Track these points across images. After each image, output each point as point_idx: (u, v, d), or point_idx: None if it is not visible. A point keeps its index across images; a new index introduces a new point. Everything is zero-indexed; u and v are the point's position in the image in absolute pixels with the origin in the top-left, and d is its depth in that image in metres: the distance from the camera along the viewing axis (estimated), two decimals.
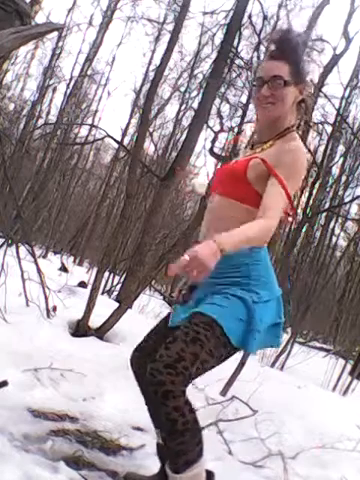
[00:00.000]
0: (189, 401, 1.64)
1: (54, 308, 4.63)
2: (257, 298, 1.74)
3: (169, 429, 1.62)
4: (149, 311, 7.67)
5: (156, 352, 1.69)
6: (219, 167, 2.03)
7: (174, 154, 14.76)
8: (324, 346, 12.60)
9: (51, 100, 20.78)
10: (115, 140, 8.60)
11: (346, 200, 14.25)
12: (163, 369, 1.60)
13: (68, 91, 18.49)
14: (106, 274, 9.04)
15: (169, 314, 1.97)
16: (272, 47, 1.87)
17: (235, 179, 1.82)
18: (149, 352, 1.90)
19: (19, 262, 4.72)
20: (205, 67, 15.65)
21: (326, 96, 11.66)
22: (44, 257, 14.30)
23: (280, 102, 1.81)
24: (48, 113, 20.96)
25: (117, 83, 47.06)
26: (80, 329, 4.36)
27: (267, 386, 3.53)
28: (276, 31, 1.95)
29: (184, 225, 12.97)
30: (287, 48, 1.82)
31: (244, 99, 16.30)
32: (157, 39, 19.41)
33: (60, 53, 19.40)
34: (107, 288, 9.31)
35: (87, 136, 19.50)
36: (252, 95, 2.00)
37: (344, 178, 16.20)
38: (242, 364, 3.63)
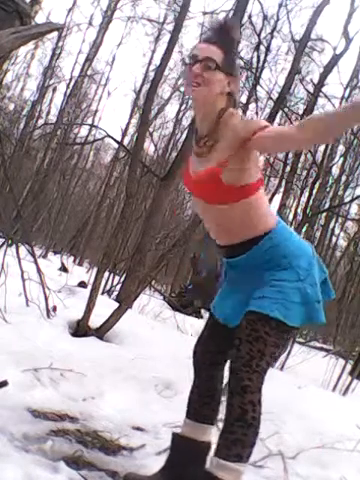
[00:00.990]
0: (261, 403, 1.79)
1: (54, 308, 4.63)
2: (303, 272, 1.83)
3: (238, 416, 1.73)
4: (149, 311, 7.67)
5: (217, 349, 1.98)
6: (185, 179, 2.01)
7: (174, 154, 14.76)
8: (324, 346, 12.59)
9: (51, 100, 20.83)
10: (115, 140, 8.60)
11: (346, 200, 14.28)
12: (242, 367, 1.75)
13: (68, 91, 18.51)
14: (106, 274, 9.03)
15: (212, 309, 2.06)
16: (210, 33, 1.88)
17: (217, 191, 1.83)
18: (209, 349, 2.02)
19: (19, 262, 4.72)
20: None
21: (326, 96, 11.68)
22: (44, 257, 14.29)
23: (207, 85, 1.79)
24: (48, 113, 21.01)
25: (117, 83, 47.12)
26: (80, 329, 4.36)
27: (267, 386, 3.52)
28: (218, 20, 1.97)
29: (184, 225, 12.98)
30: (226, 38, 1.84)
31: (244, 99, 16.32)
32: (157, 39, 19.45)
33: (60, 53, 19.44)
34: (107, 288, 9.30)
35: (87, 136, 19.53)
36: (183, 75, 2.00)
37: (344, 178, 16.23)
38: None
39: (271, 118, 7.82)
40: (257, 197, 1.85)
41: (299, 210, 16.72)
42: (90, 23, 19.63)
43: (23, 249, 5.42)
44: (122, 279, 8.61)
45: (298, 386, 4.33)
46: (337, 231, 19.59)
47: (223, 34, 1.84)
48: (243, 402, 1.74)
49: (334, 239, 19.85)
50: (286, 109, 9.87)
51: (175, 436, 2.02)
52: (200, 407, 2.00)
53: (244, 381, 1.74)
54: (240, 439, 1.72)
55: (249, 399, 1.74)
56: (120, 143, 10.85)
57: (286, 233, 1.90)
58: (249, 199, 1.82)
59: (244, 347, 1.78)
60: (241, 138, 1.76)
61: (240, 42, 1.87)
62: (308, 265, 1.85)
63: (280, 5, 13.21)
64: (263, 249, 1.84)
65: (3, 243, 5.13)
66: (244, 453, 1.73)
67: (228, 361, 1.89)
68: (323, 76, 12.25)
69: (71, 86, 18.61)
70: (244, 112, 16.13)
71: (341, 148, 16.27)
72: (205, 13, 13.84)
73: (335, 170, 15.94)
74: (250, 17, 10.50)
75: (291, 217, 18.20)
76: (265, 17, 11.51)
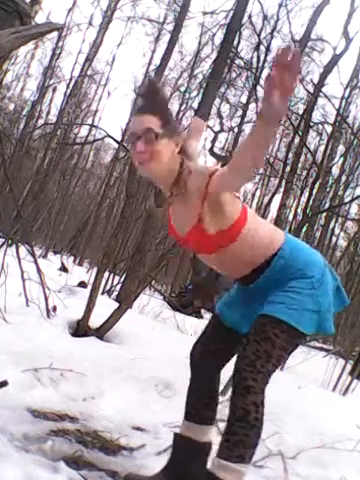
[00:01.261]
0: (264, 404, 1.78)
1: (54, 308, 4.63)
2: (316, 281, 1.83)
3: (240, 417, 1.73)
4: (149, 311, 7.67)
5: (219, 351, 1.97)
6: (170, 232, 2.04)
7: None
8: (324, 346, 12.58)
9: (51, 100, 20.84)
10: (115, 140, 8.61)
11: (346, 200, 14.27)
12: (246, 367, 1.75)
13: (68, 91, 18.50)
14: (106, 274, 9.03)
15: (219, 312, 2.06)
16: (141, 101, 1.87)
17: (210, 242, 1.84)
18: (211, 349, 2.01)
19: (19, 262, 4.72)
20: (205, 67, 15.70)
21: (326, 96, 11.68)
22: (44, 257, 14.30)
23: (154, 158, 1.78)
24: (48, 113, 21.01)
25: (117, 83, 47.13)
26: (80, 329, 4.36)
27: (267, 386, 3.52)
28: (142, 85, 1.97)
29: None
30: (156, 101, 1.81)
31: (244, 99, 16.34)
32: (157, 39, 19.44)
33: (60, 53, 19.44)
34: (107, 288, 9.30)
35: (87, 136, 19.53)
36: (130, 152, 1.95)
37: (344, 178, 16.23)
38: None
39: None
40: (250, 225, 1.84)
41: (299, 210, 16.77)
42: (90, 23, 19.64)
43: (23, 249, 5.42)
44: (122, 279, 8.62)
45: (298, 386, 4.33)
46: (337, 231, 19.61)
47: (152, 98, 1.82)
48: (246, 403, 1.73)
49: (334, 239, 19.86)
50: None
51: (176, 436, 2.02)
52: (200, 409, 2.00)
53: (248, 381, 1.74)
54: (242, 440, 1.72)
55: (252, 400, 1.74)
56: (120, 143, 10.85)
57: (295, 245, 1.90)
58: (244, 232, 1.82)
59: (251, 347, 1.77)
60: (201, 192, 1.77)
61: (168, 99, 1.86)
62: (320, 274, 1.86)
63: (280, 5, 13.22)
64: (276, 269, 1.84)
65: (3, 243, 5.12)
66: (246, 454, 1.73)
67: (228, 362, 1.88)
68: (323, 76, 12.26)
69: (71, 86, 18.61)
70: (244, 112, 16.16)
71: (341, 148, 16.29)
72: (205, 13, 13.85)
73: (335, 170, 15.96)
74: (250, 17, 10.50)
75: (291, 217, 18.26)
76: (265, 17, 11.52)
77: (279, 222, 14.67)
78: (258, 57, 11.10)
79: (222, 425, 2.71)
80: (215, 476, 1.70)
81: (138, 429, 2.54)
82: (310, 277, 1.83)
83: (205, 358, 2.01)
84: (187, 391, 2.04)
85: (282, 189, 15.45)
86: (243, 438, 1.72)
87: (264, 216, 18.17)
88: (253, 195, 23.35)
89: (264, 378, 1.77)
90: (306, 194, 14.57)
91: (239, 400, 1.74)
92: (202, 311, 10.72)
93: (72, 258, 18.47)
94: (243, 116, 16.34)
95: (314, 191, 12.40)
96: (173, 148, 1.82)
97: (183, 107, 18.63)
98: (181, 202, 1.86)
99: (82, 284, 8.36)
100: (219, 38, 11.20)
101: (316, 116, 14.12)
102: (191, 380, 2.04)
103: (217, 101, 13.41)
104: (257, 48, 11.18)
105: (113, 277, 10.27)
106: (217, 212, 1.79)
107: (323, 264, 1.91)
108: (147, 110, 1.80)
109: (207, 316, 10.25)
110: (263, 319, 1.80)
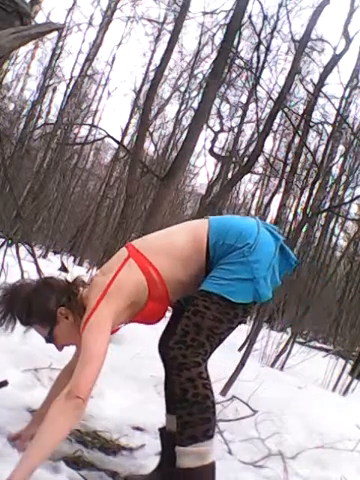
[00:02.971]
0: (206, 376, 1.72)
1: None
2: (247, 249, 1.81)
3: (180, 398, 1.70)
4: None
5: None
6: None
7: (174, 154, 14.77)
8: (324, 346, 12.58)
9: (51, 100, 20.82)
10: (115, 140, 8.61)
11: (346, 200, 14.26)
12: (174, 345, 1.74)
13: (68, 91, 18.49)
14: None
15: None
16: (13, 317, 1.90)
17: (159, 314, 1.90)
18: (171, 335, 1.97)
19: (19, 262, 4.72)
20: (205, 67, 15.71)
21: (326, 96, 11.68)
22: (44, 257, 14.28)
23: (62, 341, 1.93)
24: (48, 113, 20.99)
25: (117, 83, 46.92)
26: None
27: (267, 386, 3.53)
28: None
29: None
30: (22, 318, 1.88)
31: (244, 99, 16.34)
32: (157, 39, 19.43)
33: (60, 53, 19.42)
34: None
35: (87, 136, 19.52)
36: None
37: (344, 178, 16.22)
38: (242, 364, 3.62)
39: (271, 118, 7.82)
40: (169, 274, 1.83)
41: (299, 210, 16.77)
42: (90, 23, 19.62)
43: (23, 249, 5.41)
44: None
45: (298, 386, 4.33)
46: (337, 231, 19.58)
47: (17, 316, 1.87)
48: (181, 381, 1.70)
49: (334, 239, 19.84)
50: (286, 109, 9.86)
51: (160, 431, 2.04)
52: (168, 392, 1.99)
53: (178, 359, 1.71)
54: (187, 421, 1.69)
55: (187, 377, 1.70)
56: (120, 143, 10.88)
57: (220, 226, 1.88)
58: (170, 285, 1.83)
59: (181, 323, 1.78)
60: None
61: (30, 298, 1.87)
62: (253, 239, 1.83)
63: (280, 5, 13.21)
64: (214, 258, 1.84)
65: (3, 243, 5.12)
66: (197, 432, 1.69)
67: None
68: (323, 76, 12.27)
69: (71, 86, 18.60)
70: (244, 112, 16.15)
71: (341, 148, 16.28)
72: (205, 13, 13.85)
73: (335, 170, 15.93)
74: (250, 17, 10.49)
75: (291, 217, 18.26)
76: (265, 17, 11.51)
77: (279, 222, 14.68)
78: (258, 57, 11.08)
79: (222, 425, 2.72)
80: (176, 465, 1.70)
81: (138, 429, 2.55)
82: (241, 247, 1.81)
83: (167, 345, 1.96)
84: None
85: (282, 189, 15.48)
86: (188, 418, 1.69)
87: (264, 216, 18.21)
88: (253, 195, 23.33)
89: (195, 351, 1.73)
90: (306, 194, 14.60)
91: (175, 381, 1.71)
92: None
93: (72, 258, 18.46)
94: (243, 116, 16.35)
95: (314, 191, 12.40)
96: (62, 320, 1.87)
97: (183, 107, 18.64)
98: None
99: None
100: (219, 38, 11.21)
101: (316, 116, 14.11)
102: (164, 372, 2.02)
103: (217, 101, 13.43)
104: (257, 48, 11.16)
105: None
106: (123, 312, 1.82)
107: (256, 229, 1.87)
108: (25, 324, 1.90)
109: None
110: (196, 294, 1.80)
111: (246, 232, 1.85)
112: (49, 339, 1.91)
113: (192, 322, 1.75)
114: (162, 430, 2.03)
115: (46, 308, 1.86)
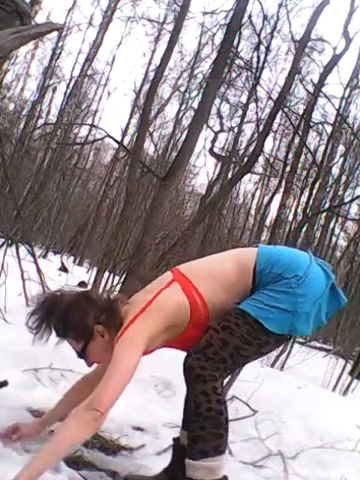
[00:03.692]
0: (220, 392, 1.69)
1: None
2: (295, 281, 1.75)
3: (193, 411, 1.67)
4: None
5: None
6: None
7: (174, 154, 14.76)
8: (324, 346, 12.59)
9: (51, 100, 20.81)
10: (115, 140, 8.60)
11: (346, 200, 14.25)
12: (194, 355, 1.70)
13: (68, 91, 18.51)
14: (106, 274, 9.04)
15: None
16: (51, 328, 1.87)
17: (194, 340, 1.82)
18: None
19: (19, 262, 4.72)
20: (205, 67, 15.67)
21: (326, 96, 11.67)
22: (44, 257, 14.30)
23: (96, 358, 1.89)
24: (48, 113, 20.99)
25: (117, 83, 46.89)
26: None
27: (267, 386, 3.52)
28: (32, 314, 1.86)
29: (184, 225, 12.97)
30: (58, 329, 1.84)
31: (244, 99, 16.32)
32: (157, 39, 19.42)
33: (60, 53, 19.42)
34: (107, 288, 9.30)
35: (87, 136, 19.51)
36: None
37: (344, 178, 16.20)
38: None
39: (271, 118, 7.82)
40: (212, 299, 1.79)
41: (299, 210, 16.75)
42: (90, 23, 19.62)
43: (23, 249, 5.41)
44: (122, 279, 8.61)
45: (298, 386, 4.33)
46: (337, 231, 19.59)
47: (53, 326, 1.83)
48: (194, 394, 1.67)
49: (334, 239, 19.84)
50: (286, 109, 9.86)
51: (174, 441, 2.01)
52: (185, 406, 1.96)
53: (195, 370, 1.68)
54: (199, 435, 1.66)
55: (201, 389, 1.67)
56: (120, 143, 10.87)
57: (271, 255, 1.83)
58: (210, 306, 1.78)
59: (206, 334, 1.73)
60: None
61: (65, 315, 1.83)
62: (303, 272, 1.78)
63: (280, 5, 13.19)
64: (259, 285, 1.79)
65: (3, 243, 5.12)
66: (208, 447, 1.66)
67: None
68: (323, 76, 12.25)
69: (71, 86, 18.62)
70: (244, 112, 16.15)
71: (341, 148, 16.27)
72: (205, 13, 13.83)
73: (335, 170, 15.92)
74: (250, 17, 10.47)
75: (291, 217, 18.25)
76: (265, 17, 11.49)
77: (279, 222, 14.67)
78: (258, 57, 11.07)
79: None
80: (186, 475, 1.69)
81: (138, 429, 2.55)
82: (289, 278, 1.76)
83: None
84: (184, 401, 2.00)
85: (282, 189, 15.46)
86: (199, 432, 1.66)
87: (264, 216, 18.22)
88: (253, 195, 23.34)
89: (215, 365, 1.69)
90: (306, 194, 14.55)
91: (190, 392, 1.69)
92: None
93: (72, 258, 18.47)
94: (243, 116, 16.33)
95: (314, 191, 12.37)
96: (97, 338, 1.83)
97: (183, 107, 18.63)
98: None
99: (82, 284, 8.37)
100: (219, 38, 11.19)
101: (316, 116, 14.09)
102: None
103: (217, 101, 13.41)
104: (257, 48, 11.15)
105: (113, 277, 10.28)
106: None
107: (308, 263, 1.82)
108: (61, 336, 1.87)
109: None
110: (230, 311, 1.76)
111: (296, 263, 1.80)
112: (81, 355, 1.88)
113: (219, 336, 1.71)
114: (176, 440, 2.00)
115: (84, 323, 1.81)
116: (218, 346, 1.70)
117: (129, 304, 1.83)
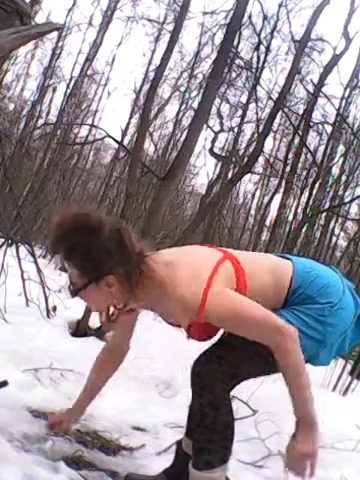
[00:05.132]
0: (229, 402, 1.62)
1: (54, 308, 4.63)
2: (329, 307, 1.67)
3: (198, 421, 1.60)
4: (149, 311, 7.65)
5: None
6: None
7: (174, 154, 14.76)
8: None
9: (51, 100, 20.80)
10: (115, 140, 8.58)
11: (346, 200, 14.25)
12: (205, 359, 1.62)
13: (68, 91, 18.48)
14: None
15: None
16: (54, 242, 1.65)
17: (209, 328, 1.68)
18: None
19: (19, 262, 4.72)
20: (205, 67, 15.68)
21: (326, 96, 11.67)
22: (44, 257, 14.29)
23: (88, 301, 1.74)
24: (48, 113, 20.97)
25: (117, 83, 46.87)
26: (80, 329, 4.36)
27: (267, 386, 3.52)
28: (51, 231, 1.62)
29: (184, 225, 12.97)
30: (64, 250, 1.60)
31: (244, 99, 16.33)
32: (157, 39, 19.41)
33: (60, 53, 19.41)
34: None
35: (87, 136, 19.50)
36: None
37: (344, 178, 16.20)
38: None
39: (271, 118, 7.82)
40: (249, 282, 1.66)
41: (299, 210, 16.75)
42: (90, 23, 19.60)
43: (23, 249, 5.41)
44: None
45: None
46: (337, 231, 19.57)
47: (60, 247, 1.60)
48: (201, 403, 1.59)
49: (334, 239, 19.83)
50: (286, 109, 9.86)
51: (177, 444, 1.98)
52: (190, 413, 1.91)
53: (204, 376, 1.59)
54: (204, 447, 1.61)
55: (209, 400, 1.58)
56: (120, 143, 10.86)
57: (306, 272, 1.74)
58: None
59: (226, 344, 1.65)
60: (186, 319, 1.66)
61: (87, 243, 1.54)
62: (338, 300, 1.70)
63: (280, 5, 13.19)
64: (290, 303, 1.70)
65: (3, 243, 5.12)
66: (213, 459, 1.61)
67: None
68: (323, 76, 12.25)
69: (71, 86, 18.59)
70: (244, 112, 16.15)
71: (341, 148, 16.27)
72: (205, 13, 13.83)
73: (335, 170, 15.92)
74: (250, 17, 10.48)
75: (291, 217, 18.24)
76: (265, 17, 11.50)
77: (279, 222, 14.67)
78: (258, 57, 11.09)
79: None
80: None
81: (138, 429, 2.55)
82: (323, 303, 1.67)
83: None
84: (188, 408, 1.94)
85: (282, 189, 15.47)
86: (205, 445, 1.60)
87: (264, 216, 18.20)
88: (253, 195, 23.32)
89: (227, 377, 1.60)
90: (306, 194, 14.55)
91: (195, 401, 1.60)
92: None
93: None
94: (243, 116, 16.33)
95: (314, 191, 12.38)
96: (104, 288, 1.62)
97: (183, 107, 18.63)
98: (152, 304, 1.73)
99: None
100: (219, 38, 11.20)
101: (316, 116, 14.09)
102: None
103: (217, 101, 13.41)
104: (257, 48, 11.16)
105: None
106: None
107: (342, 289, 1.74)
108: (65, 258, 1.62)
109: None
110: None
111: (331, 288, 1.71)
112: (74, 291, 1.69)
113: (239, 351, 1.62)
114: (179, 445, 1.96)
115: (97, 262, 1.56)
116: (236, 357, 1.62)
117: (164, 265, 1.60)
